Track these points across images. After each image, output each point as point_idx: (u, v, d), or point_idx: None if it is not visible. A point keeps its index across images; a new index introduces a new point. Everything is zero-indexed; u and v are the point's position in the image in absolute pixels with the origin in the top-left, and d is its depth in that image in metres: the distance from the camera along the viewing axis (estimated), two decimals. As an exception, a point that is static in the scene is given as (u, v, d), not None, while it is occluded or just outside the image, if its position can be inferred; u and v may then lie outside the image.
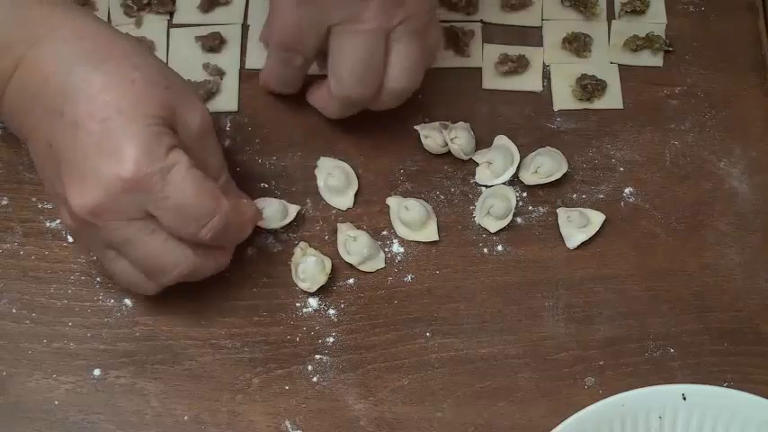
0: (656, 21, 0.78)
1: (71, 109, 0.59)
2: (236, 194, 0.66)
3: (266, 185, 0.71)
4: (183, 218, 0.60)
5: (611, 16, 0.78)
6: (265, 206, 0.69)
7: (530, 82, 0.76)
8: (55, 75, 0.60)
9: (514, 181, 0.72)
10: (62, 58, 0.60)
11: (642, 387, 0.62)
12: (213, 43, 0.75)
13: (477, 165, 0.72)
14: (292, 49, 0.68)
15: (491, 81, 0.76)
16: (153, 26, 0.76)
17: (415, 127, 0.73)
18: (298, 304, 0.68)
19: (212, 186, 0.61)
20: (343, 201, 0.71)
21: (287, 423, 0.65)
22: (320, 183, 0.72)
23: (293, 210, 0.70)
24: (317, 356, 0.67)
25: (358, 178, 0.72)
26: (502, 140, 0.73)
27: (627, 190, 0.72)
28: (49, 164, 0.61)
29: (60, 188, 0.60)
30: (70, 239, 0.69)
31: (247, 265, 0.69)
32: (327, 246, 0.70)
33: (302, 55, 0.68)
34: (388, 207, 0.71)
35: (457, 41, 0.76)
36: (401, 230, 0.70)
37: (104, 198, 0.59)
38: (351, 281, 0.69)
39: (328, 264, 0.68)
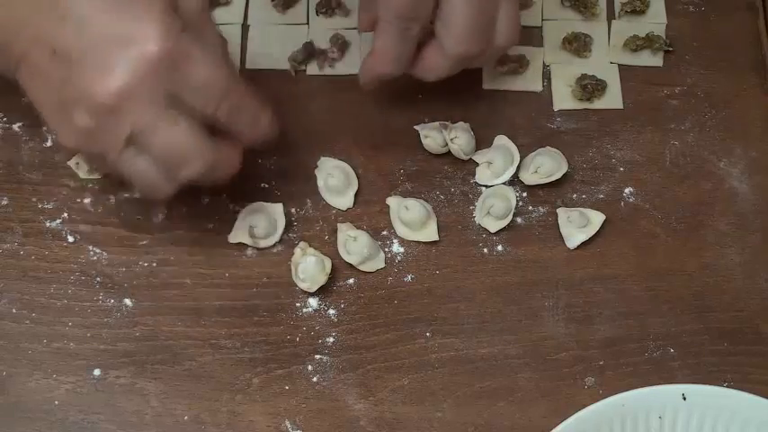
0: (656, 21, 0.78)
1: (74, 5, 0.59)
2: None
3: (266, 185, 0.71)
4: (203, 95, 0.60)
5: (611, 16, 0.78)
6: (258, 223, 0.69)
7: (530, 82, 0.76)
8: None
9: (514, 181, 0.72)
10: None
11: (642, 387, 0.62)
12: (213, 43, 0.75)
13: (477, 165, 0.72)
14: (412, 16, 0.66)
15: (491, 81, 0.76)
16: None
17: (415, 127, 0.73)
18: (298, 304, 0.68)
19: (229, 62, 0.62)
20: (343, 201, 0.71)
21: (287, 423, 0.65)
22: (320, 183, 0.72)
23: (281, 224, 0.70)
24: (317, 356, 0.67)
25: (358, 178, 0.72)
26: (502, 140, 0.73)
27: (627, 190, 0.72)
28: (54, 74, 0.60)
29: (73, 90, 0.59)
30: (70, 239, 0.70)
31: (247, 265, 0.69)
32: (327, 246, 0.70)
33: (419, 22, 0.67)
34: (388, 207, 0.71)
35: (457, 41, 0.76)
36: (401, 230, 0.70)
37: (132, 79, 0.58)
38: (351, 281, 0.69)
39: (328, 264, 0.68)
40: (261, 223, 0.69)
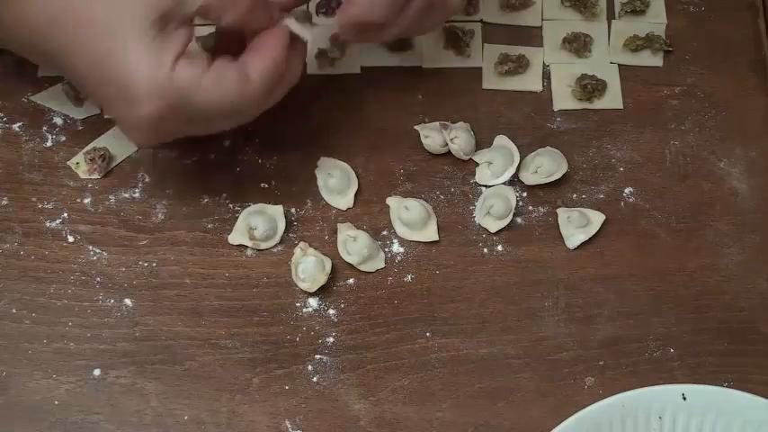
0: (656, 21, 0.78)
1: (71, 66, 0.61)
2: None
3: (266, 185, 0.71)
4: (227, 118, 0.62)
5: (611, 16, 0.78)
6: (258, 225, 0.69)
7: (530, 82, 0.76)
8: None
9: (514, 181, 0.72)
10: None
11: (642, 387, 0.62)
12: (213, 43, 0.75)
13: (477, 165, 0.72)
14: None
15: (491, 81, 0.76)
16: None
17: (415, 127, 0.73)
18: (298, 304, 0.68)
19: (228, 78, 0.61)
20: (343, 201, 0.71)
21: (287, 423, 0.65)
22: (320, 183, 0.72)
23: (281, 226, 0.70)
24: (317, 356, 0.67)
25: (358, 178, 0.72)
26: (502, 140, 0.73)
27: (627, 190, 0.72)
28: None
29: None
30: (70, 239, 0.70)
31: (247, 265, 0.69)
32: (327, 246, 0.70)
33: None
34: (388, 207, 0.71)
35: (457, 41, 0.76)
36: (401, 230, 0.70)
37: (150, 132, 0.61)
38: (351, 281, 0.69)
39: (328, 264, 0.68)
40: (261, 225, 0.69)
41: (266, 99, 0.63)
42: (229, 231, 0.70)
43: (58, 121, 0.73)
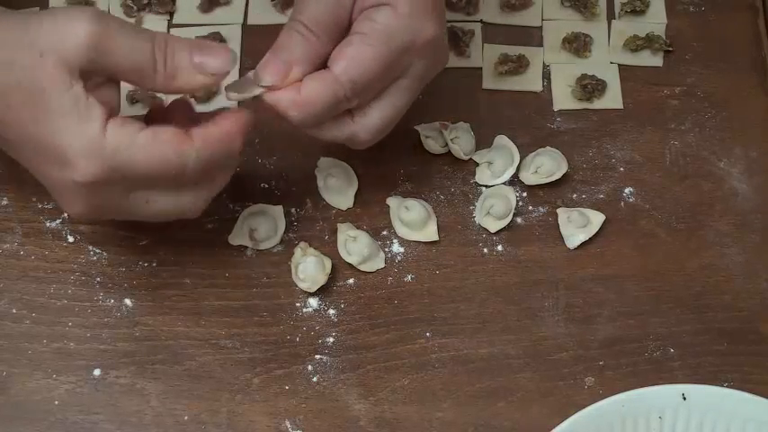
0: (656, 21, 0.78)
1: (6, 131, 0.59)
2: (187, 68, 0.59)
3: (266, 185, 0.71)
4: (155, 182, 0.59)
5: (611, 16, 0.78)
6: (258, 226, 0.69)
7: (530, 82, 0.76)
8: None
9: (514, 181, 0.72)
10: None
11: (642, 387, 0.62)
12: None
13: (477, 165, 0.72)
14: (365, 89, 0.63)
15: (491, 81, 0.76)
16: (153, 26, 0.76)
17: (415, 127, 0.73)
18: (298, 304, 0.68)
19: (165, 140, 0.58)
20: (344, 201, 0.71)
21: (287, 423, 0.65)
22: (320, 183, 0.72)
23: (281, 226, 0.70)
24: (317, 356, 0.67)
25: (358, 178, 0.72)
26: (502, 140, 0.73)
27: (627, 190, 0.72)
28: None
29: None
30: (70, 239, 0.69)
31: (247, 265, 0.69)
32: (327, 246, 0.70)
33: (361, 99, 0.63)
34: (388, 207, 0.71)
35: (457, 41, 0.76)
36: (401, 230, 0.70)
37: (87, 200, 0.59)
38: (351, 281, 0.69)
39: (328, 264, 0.68)
40: (261, 226, 0.69)
41: (209, 166, 0.60)
42: (229, 231, 0.70)
43: (58, 121, 0.73)
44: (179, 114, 0.62)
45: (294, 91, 0.61)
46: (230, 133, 0.60)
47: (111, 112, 0.58)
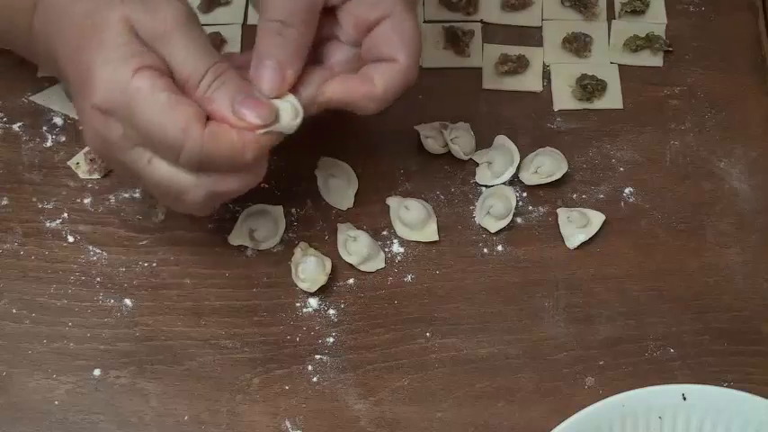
0: (656, 21, 0.78)
1: (53, 49, 0.61)
2: (225, 104, 0.60)
3: (266, 185, 0.71)
4: (155, 146, 0.59)
5: (611, 16, 0.78)
6: (258, 226, 0.69)
7: (530, 82, 0.76)
8: None
9: (514, 181, 0.72)
10: None
11: (642, 387, 0.62)
12: (213, 43, 0.75)
13: (477, 165, 0.72)
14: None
15: (491, 81, 0.76)
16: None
17: (415, 127, 0.73)
18: (298, 304, 0.68)
19: (181, 111, 0.59)
20: (344, 201, 0.71)
21: (287, 423, 0.65)
22: (320, 183, 0.72)
23: (281, 226, 0.70)
24: (317, 356, 0.67)
25: (358, 178, 0.72)
26: (502, 140, 0.73)
27: (627, 190, 0.72)
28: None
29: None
30: (70, 239, 0.70)
31: (247, 265, 0.69)
32: (327, 246, 0.70)
33: None
34: (388, 207, 0.71)
35: (457, 41, 0.76)
36: (401, 230, 0.70)
37: (97, 131, 0.60)
38: (351, 281, 0.69)
39: (328, 264, 0.68)
40: (261, 226, 0.69)
41: (207, 161, 0.59)
42: (229, 231, 0.70)
43: (58, 121, 0.73)
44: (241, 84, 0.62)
45: (365, 84, 0.63)
46: (238, 147, 0.60)
47: (150, 66, 0.59)
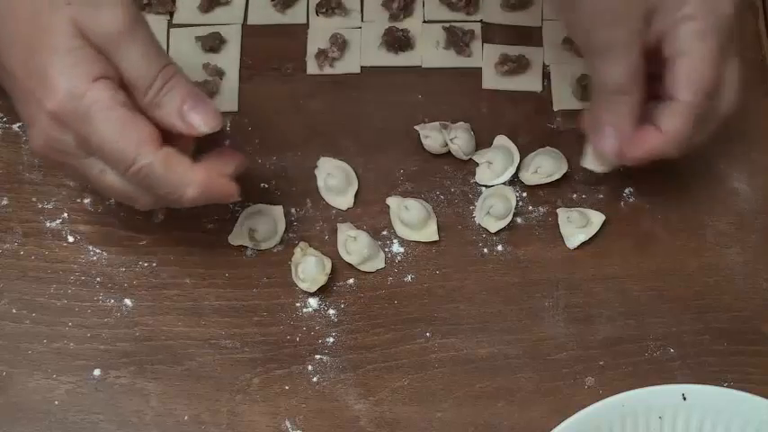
0: (656, 21, 0.78)
1: (6, 59, 0.60)
2: (174, 110, 0.60)
3: (266, 185, 0.71)
4: (107, 160, 0.59)
5: (611, 16, 0.78)
6: (258, 226, 0.69)
7: (530, 82, 0.76)
8: None
9: (514, 181, 0.72)
10: None
11: (642, 387, 0.62)
12: (213, 43, 0.75)
13: (477, 165, 0.72)
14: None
15: (491, 81, 0.76)
16: (153, 26, 0.74)
17: (415, 127, 0.73)
18: (298, 304, 0.68)
19: (137, 131, 0.59)
20: (343, 201, 0.71)
21: (287, 423, 0.65)
22: (320, 183, 0.72)
23: (281, 226, 0.70)
24: (317, 356, 0.67)
25: (358, 178, 0.72)
26: (502, 140, 0.73)
27: (627, 190, 0.72)
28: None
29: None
30: (70, 239, 0.70)
31: (247, 265, 0.69)
32: (327, 246, 0.70)
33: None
34: (388, 207, 0.71)
35: (457, 41, 0.76)
36: (401, 230, 0.70)
37: (41, 131, 0.59)
38: (351, 281, 0.69)
39: (328, 264, 0.68)
40: (261, 226, 0.69)
41: (156, 182, 0.60)
42: (229, 231, 0.70)
43: (58, 121, 0.73)
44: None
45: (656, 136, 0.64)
46: (184, 181, 0.60)
47: (109, 77, 0.59)
